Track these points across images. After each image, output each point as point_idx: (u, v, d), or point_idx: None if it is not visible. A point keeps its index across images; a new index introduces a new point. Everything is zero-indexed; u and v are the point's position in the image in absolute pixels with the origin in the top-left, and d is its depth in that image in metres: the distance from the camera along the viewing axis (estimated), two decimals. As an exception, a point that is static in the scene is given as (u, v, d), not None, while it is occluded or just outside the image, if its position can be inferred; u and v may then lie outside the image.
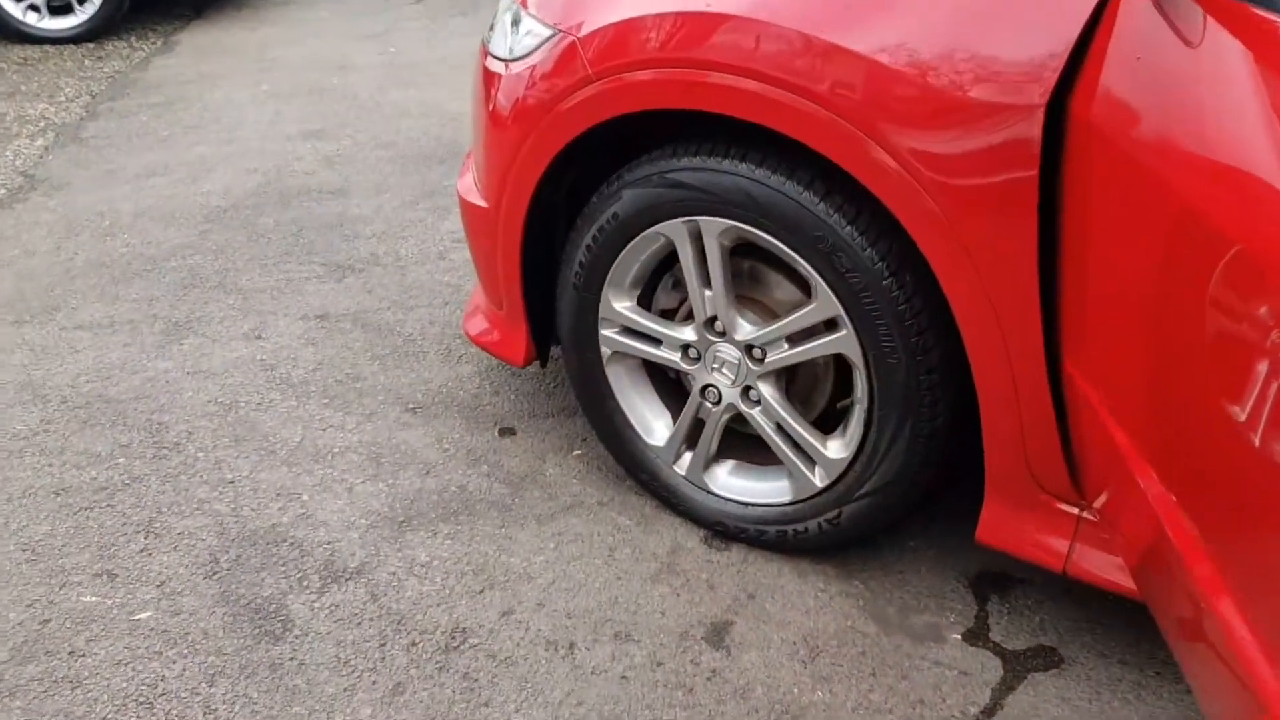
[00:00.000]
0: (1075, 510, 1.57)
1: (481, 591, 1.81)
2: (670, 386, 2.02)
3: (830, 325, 1.68)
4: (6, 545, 1.91)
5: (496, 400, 2.31)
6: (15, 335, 2.58)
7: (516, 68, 1.88)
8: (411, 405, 2.29)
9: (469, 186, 2.09)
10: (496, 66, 1.95)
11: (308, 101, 4.25)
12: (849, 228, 1.59)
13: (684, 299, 1.90)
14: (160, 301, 2.73)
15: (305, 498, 2.02)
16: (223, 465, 2.10)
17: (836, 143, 1.51)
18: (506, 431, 2.21)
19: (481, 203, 2.00)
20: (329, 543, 1.91)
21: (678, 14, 1.61)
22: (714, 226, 1.72)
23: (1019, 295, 1.44)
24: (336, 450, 2.15)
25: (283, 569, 1.85)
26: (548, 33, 1.81)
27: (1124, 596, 1.53)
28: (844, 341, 1.66)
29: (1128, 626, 1.72)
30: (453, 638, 1.72)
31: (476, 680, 1.65)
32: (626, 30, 1.67)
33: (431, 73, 4.58)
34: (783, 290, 1.80)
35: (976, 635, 1.74)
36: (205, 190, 3.42)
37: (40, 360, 2.48)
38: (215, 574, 1.83)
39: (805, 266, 1.65)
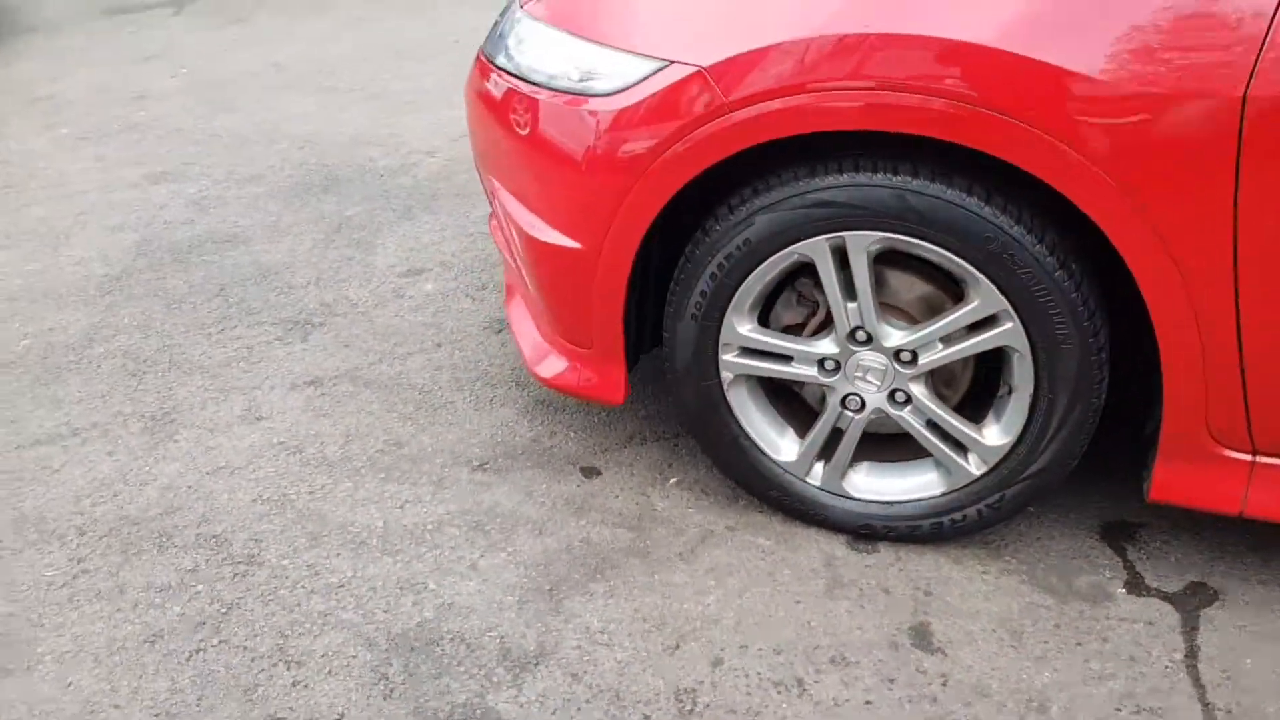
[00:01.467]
0: (1249, 457, 1.70)
1: (677, 646, 1.75)
2: (784, 400, 2.01)
3: (987, 321, 1.73)
4: (133, 715, 1.66)
5: (559, 440, 2.22)
6: (-42, 469, 2.21)
7: (603, 104, 1.79)
8: (476, 462, 2.16)
9: (532, 222, 1.97)
10: (567, 102, 1.85)
11: (127, 141, 3.84)
12: (1017, 226, 1.63)
13: (810, 313, 1.89)
14: (115, 395, 2.42)
15: (432, 586, 1.87)
16: (319, 569, 1.91)
17: (1027, 150, 1.54)
18: (590, 471, 2.14)
19: (570, 243, 1.90)
20: (491, 629, 1.79)
21: (845, 37, 1.59)
22: (862, 240, 1.72)
23: (1212, 268, 1.54)
24: (430, 526, 2.01)
25: (462, 669, 1.71)
26: (652, 65, 1.73)
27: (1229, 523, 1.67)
28: (1010, 334, 1.72)
29: (1250, 550, 1.89)
30: (681, 701, 1.66)
31: (732, 739, 1.60)
32: (777, 55, 1.62)
33: (244, 91, 4.24)
34: (913, 292, 1.82)
35: (1136, 585, 1.86)
36: (77, 258, 3.04)
37: (19, 489, 2.15)
38: (393, 693, 1.68)
39: (967, 268, 1.68)
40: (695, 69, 1.69)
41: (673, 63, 1.72)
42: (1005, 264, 1.65)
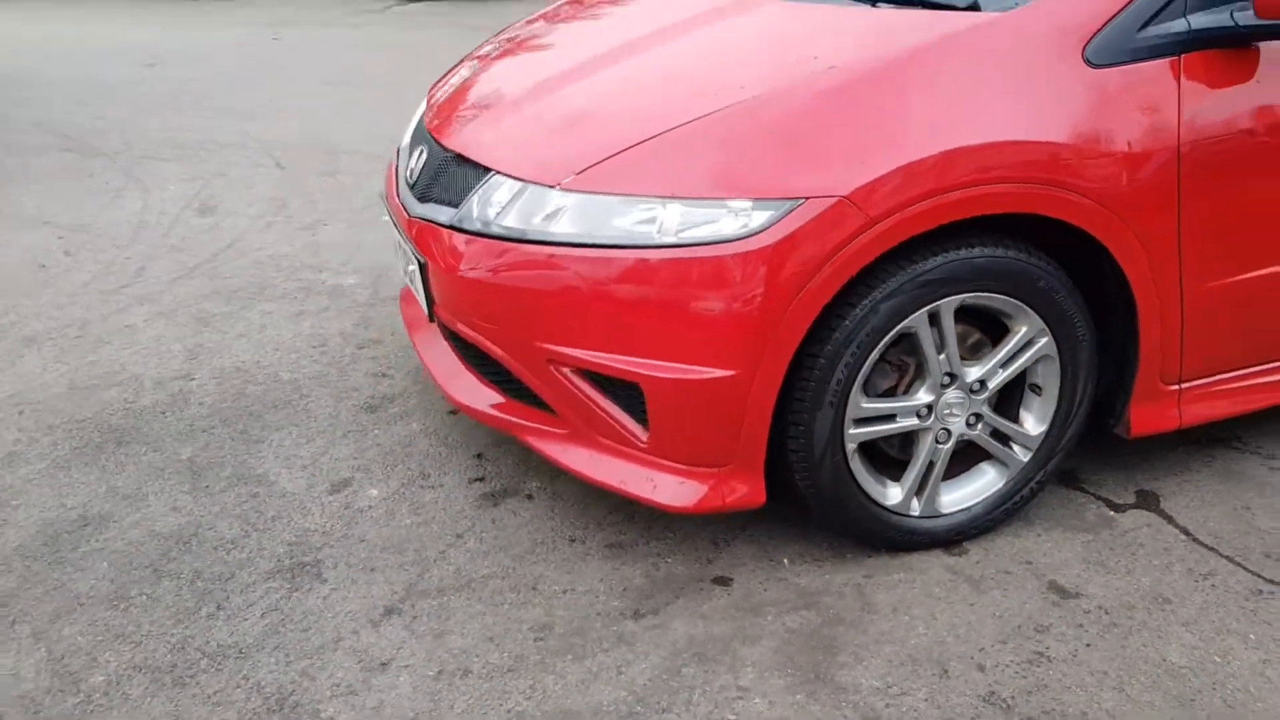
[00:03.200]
0: (1177, 386, 2.49)
1: (945, 671, 2.09)
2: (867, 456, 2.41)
3: (1028, 343, 2.33)
4: None
5: (669, 567, 2.37)
6: None
7: (745, 247, 2.06)
8: (631, 612, 2.24)
9: (663, 367, 2.15)
10: (701, 253, 2.08)
11: None
12: (1049, 266, 2.26)
13: (901, 374, 2.33)
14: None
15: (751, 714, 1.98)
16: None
17: (1086, 215, 2.17)
18: (722, 581, 2.33)
19: (722, 373, 2.13)
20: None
21: (957, 149, 2.08)
22: (951, 304, 2.23)
23: (1167, 258, 2.29)
24: (667, 676, 2.08)
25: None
26: (790, 204, 2.06)
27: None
28: (1046, 346, 2.33)
29: (1131, 454, 2.71)
30: (994, 704, 2.01)
31: None
32: (908, 173, 2.06)
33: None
34: (966, 335, 2.35)
35: (1115, 506, 2.58)
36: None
37: None
38: None
39: (1019, 304, 2.27)
40: (836, 198, 2.05)
41: (809, 198, 2.06)
42: (1046, 295, 2.26)
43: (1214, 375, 2.50)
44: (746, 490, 2.25)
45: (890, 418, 2.30)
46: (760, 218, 2.07)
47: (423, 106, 3.02)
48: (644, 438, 2.25)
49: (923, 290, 2.16)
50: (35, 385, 3.21)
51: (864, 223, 2.05)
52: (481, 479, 2.70)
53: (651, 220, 2.13)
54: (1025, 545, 2.42)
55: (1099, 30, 2.19)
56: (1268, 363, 2.54)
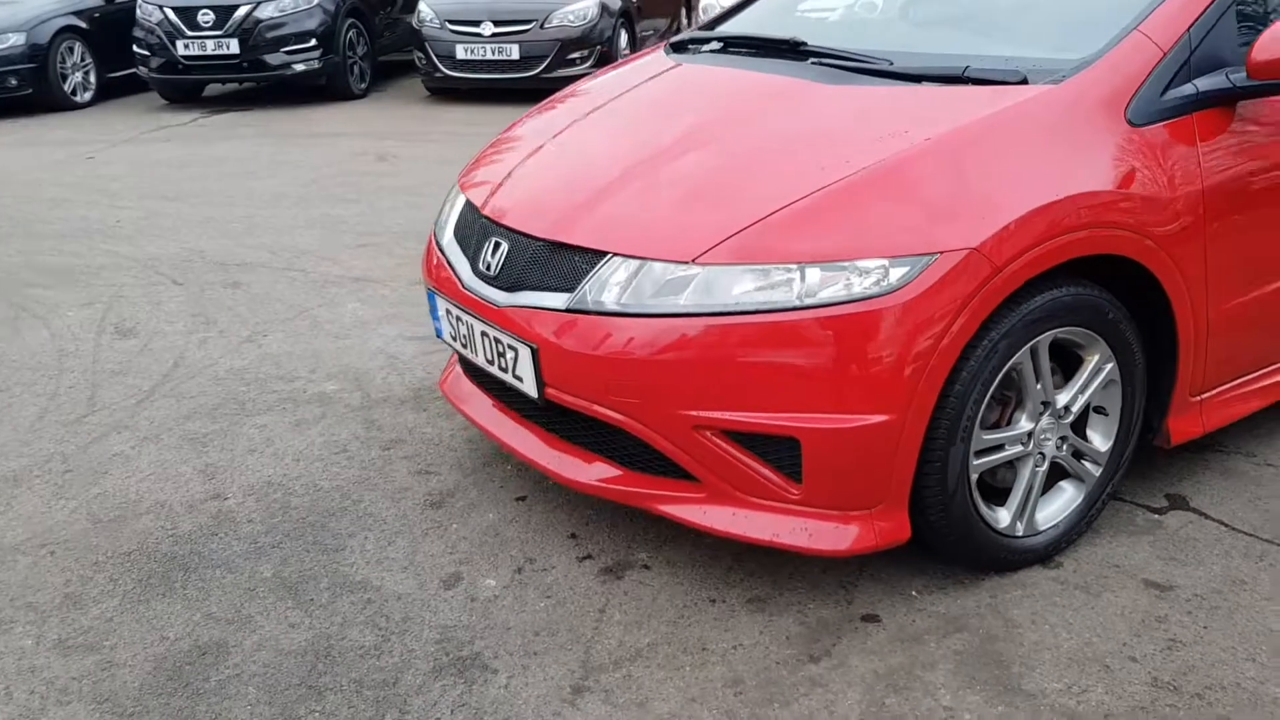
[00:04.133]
0: (1199, 397, 2.87)
1: (1107, 667, 2.32)
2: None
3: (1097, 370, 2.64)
4: None
5: (803, 616, 2.51)
6: None
7: (889, 302, 2.28)
8: (806, 657, 2.36)
9: (821, 420, 2.31)
10: (848, 313, 2.28)
11: None
12: (1116, 300, 2.59)
13: (1004, 406, 2.57)
14: None
15: (955, 733, 2.13)
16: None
17: (1146, 252, 2.51)
18: (870, 619, 2.49)
19: (878, 418, 2.31)
20: (1035, 724, 2.15)
21: (1058, 200, 2.37)
22: (1047, 340, 2.51)
23: (1199, 285, 2.66)
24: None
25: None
26: (926, 259, 2.30)
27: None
28: (1113, 371, 2.65)
29: (1150, 464, 3.08)
30: (1162, 689, 2.25)
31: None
32: (1025, 222, 2.34)
33: None
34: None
35: (1159, 510, 2.92)
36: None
37: None
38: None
39: (1094, 335, 2.58)
40: (968, 250, 2.30)
41: (943, 252, 2.29)
42: (1114, 326, 2.58)
43: (1226, 384, 2.88)
44: (894, 528, 2.43)
45: (999, 447, 2.54)
46: (898, 273, 2.28)
47: (460, 200, 3.08)
48: (795, 489, 2.39)
49: (1029, 329, 2.42)
50: (51, 525, 3.00)
51: (991, 271, 2.30)
52: (589, 556, 2.75)
53: (789, 284, 2.30)
54: (1105, 552, 2.70)
55: (1134, 96, 2.55)
56: (1266, 367, 2.95)
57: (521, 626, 2.49)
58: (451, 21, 10.31)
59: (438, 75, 10.47)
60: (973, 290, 2.30)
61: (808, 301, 2.30)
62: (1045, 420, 2.58)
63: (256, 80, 10.66)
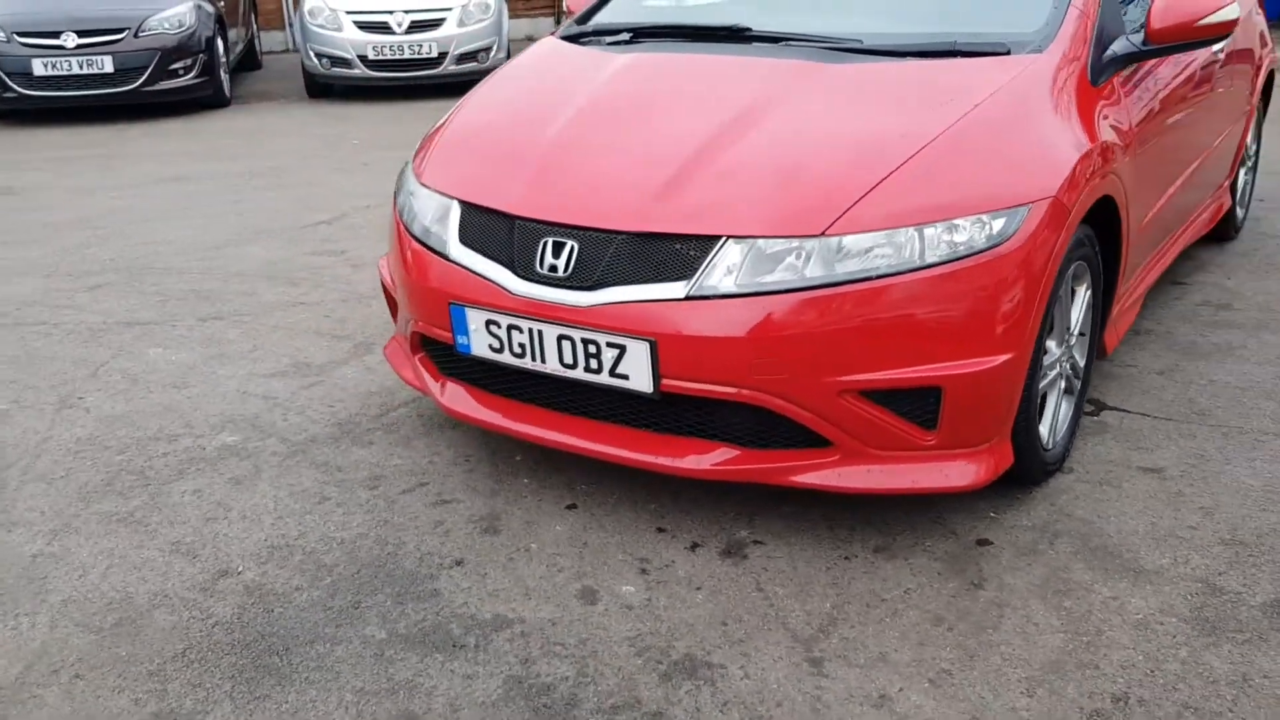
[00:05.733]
0: (1114, 314, 3.43)
1: (1191, 544, 2.77)
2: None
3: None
4: None
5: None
6: None
7: (1009, 248, 2.55)
8: (966, 581, 2.57)
9: (957, 365, 2.53)
10: (977, 263, 2.52)
11: None
12: (1093, 234, 3.05)
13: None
14: None
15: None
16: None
17: (1118, 192, 2.98)
18: (984, 543, 2.75)
19: (1005, 357, 2.57)
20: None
21: (1090, 148, 2.76)
22: (1070, 272, 2.90)
23: (1128, 209, 3.20)
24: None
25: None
26: (1023, 209, 2.58)
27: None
28: (1089, 297, 3.11)
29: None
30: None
31: None
32: (1076, 171, 2.70)
33: None
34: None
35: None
36: None
37: None
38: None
39: (1084, 266, 3.02)
40: (1051, 198, 2.62)
41: (1034, 201, 2.60)
42: (1094, 257, 3.03)
43: (1122, 301, 3.45)
44: (1003, 457, 2.70)
45: (1045, 372, 2.88)
46: (998, 224, 2.54)
47: (454, 207, 2.88)
48: (930, 436, 2.58)
49: (1069, 263, 2.78)
50: (41, 649, 2.43)
51: (1065, 214, 2.64)
52: (698, 544, 2.74)
53: (911, 245, 2.49)
54: (1092, 454, 3.15)
55: (1088, 60, 3.00)
56: (1137, 286, 3.56)
57: (702, 621, 2.45)
58: (23, 34, 9.05)
59: (8, 96, 9.17)
60: (1057, 233, 2.61)
61: (930, 260, 2.48)
62: (1063, 344, 2.96)
63: None
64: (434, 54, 10.02)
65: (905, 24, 3.28)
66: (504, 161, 2.94)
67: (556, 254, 2.65)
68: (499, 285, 2.72)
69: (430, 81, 10.22)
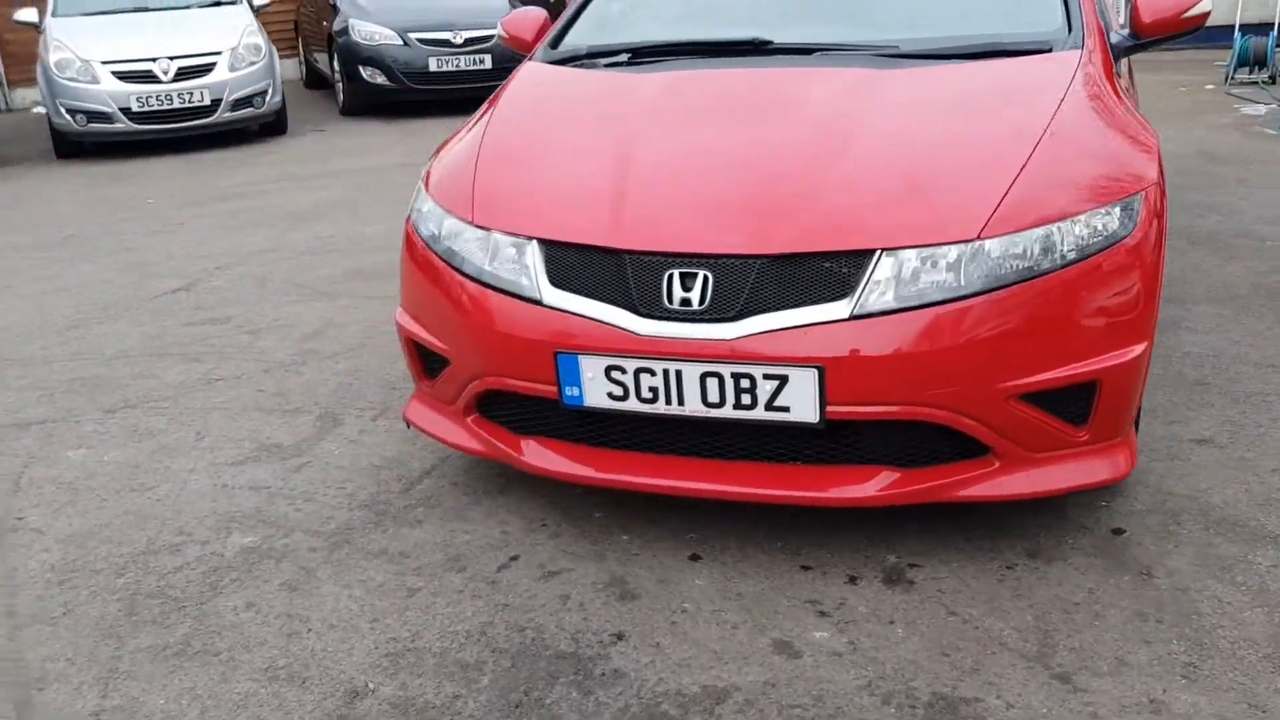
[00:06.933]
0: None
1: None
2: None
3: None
4: None
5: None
6: None
7: (1136, 237, 2.57)
8: (1132, 578, 2.58)
9: (1106, 358, 2.53)
10: (1117, 251, 2.55)
11: None
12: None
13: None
14: None
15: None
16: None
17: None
18: (1118, 532, 2.77)
19: (1142, 346, 2.59)
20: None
21: (1148, 134, 2.85)
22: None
23: None
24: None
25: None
26: (1134, 198, 2.63)
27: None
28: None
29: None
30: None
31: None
32: (1157, 155, 2.78)
33: None
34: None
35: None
36: None
37: None
38: None
39: None
40: (1153, 184, 2.69)
41: (1145, 188, 2.65)
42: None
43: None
44: (1135, 444, 2.72)
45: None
46: (1121, 214, 2.58)
47: (532, 248, 2.63)
48: (1083, 432, 2.57)
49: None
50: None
51: (1164, 198, 2.71)
52: (856, 578, 2.61)
53: (1058, 242, 2.48)
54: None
55: (1105, 54, 3.11)
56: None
57: (922, 655, 2.32)
58: None
59: None
60: (1160, 216, 2.67)
61: (1071, 255, 2.47)
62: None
63: None
64: (206, 101, 9.25)
65: (911, 31, 3.28)
66: (581, 195, 2.69)
67: (687, 286, 2.45)
68: (618, 327, 2.48)
69: (204, 131, 9.44)
